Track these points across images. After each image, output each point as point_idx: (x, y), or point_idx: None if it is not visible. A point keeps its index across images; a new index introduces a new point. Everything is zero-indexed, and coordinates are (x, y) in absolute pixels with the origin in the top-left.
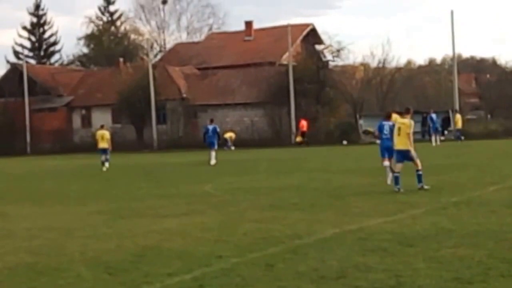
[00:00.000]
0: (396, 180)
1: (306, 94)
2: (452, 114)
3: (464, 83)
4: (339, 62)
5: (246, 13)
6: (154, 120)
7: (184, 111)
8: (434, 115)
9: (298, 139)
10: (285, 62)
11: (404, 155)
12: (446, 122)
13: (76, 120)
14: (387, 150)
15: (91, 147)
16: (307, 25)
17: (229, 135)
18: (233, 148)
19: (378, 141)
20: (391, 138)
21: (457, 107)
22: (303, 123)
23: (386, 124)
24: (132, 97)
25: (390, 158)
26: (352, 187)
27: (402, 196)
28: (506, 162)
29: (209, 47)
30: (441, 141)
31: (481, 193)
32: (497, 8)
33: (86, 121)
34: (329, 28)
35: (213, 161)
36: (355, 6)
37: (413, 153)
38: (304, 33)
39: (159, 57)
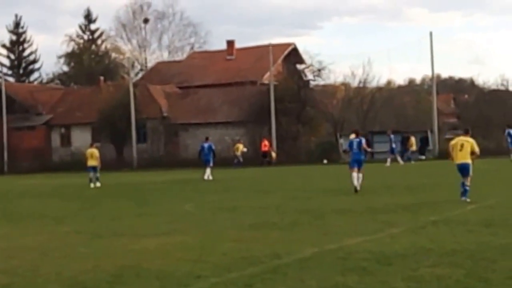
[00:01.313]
0: (463, 186)
1: (287, 113)
2: (430, 134)
3: (442, 103)
4: (320, 81)
5: (228, 33)
6: (134, 139)
7: (165, 130)
8: (392, 136)
9: (274, 155)
10: (266, 81)
11: (464, 168)
12: (424, 142)
13: (55, 139)
14: (356, 162)
15: (70, 166)
16: (288, 44)
17: (239, 148)
18: (241, 159)
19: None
20: (358, 153)
21: (436, 127)
22: (266, 143)
23: (354, 141)
24: (112, 116)
25: (358, 169)
26: (332, 206)
27: (381, 215)
28: (484, 181)
29: (191, 66)
30: (420, 160)
31: (460, 212)
32: (475, 30)
33: (66, 140)
34: (311, 48)
35: (209, 177)
36: (336, 27)
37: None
38: (286, 52)
39: (140, 75)
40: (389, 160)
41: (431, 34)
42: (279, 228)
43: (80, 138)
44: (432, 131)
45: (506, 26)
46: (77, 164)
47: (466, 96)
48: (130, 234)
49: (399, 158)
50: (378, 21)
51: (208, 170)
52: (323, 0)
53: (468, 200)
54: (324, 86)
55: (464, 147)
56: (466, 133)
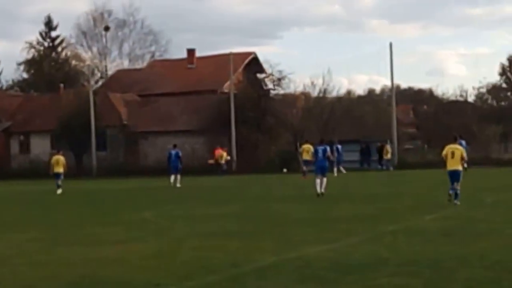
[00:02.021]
0: (449, 195)
1: (247, 122)
2: (389, 144)
3: (402, 114)
4: (280, 91)
5: (189, 41)
6: (94, 147)
7: (125, 138)
8: (339, 146)
9: (211, 161)
10: (226, 90)
11: (455, 175)
12: (380, 152)
13: (14, 146)
14: (320, 169)
15: (29, 173)
16: (249, 53)
17: (223, 156)
18: (225, 167)
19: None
20: (323, 160)
21: (395, 137)
22: (218, 152)
23: (320, 149)
24: (72, 123)
25: (322, 175)
26: (292, 215)
27: (341, 224)
28: (442, 191)
29: (151, 74)
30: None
31: (418, 222)
32: (434, 41)
33: (25, 147)
34: (271, 57)
35: (176, 184)
36: (297, 37)
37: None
38: (246, 61)
39: (100, 83)
40: (335, 170)
41: (390, 45)
42: (238, 237)
43: (40, 145)
44: (391, 141)
45: (464, 37)
46: (36, 172)
47: (425, 106)
48: (89, 242)
49: (335, 169)
50: (338, 31)
51: (174, 177)
52: (283, 10)
53: (458, 203)
54: (284, 95)
55: (455, 154)
56: (455, 140)
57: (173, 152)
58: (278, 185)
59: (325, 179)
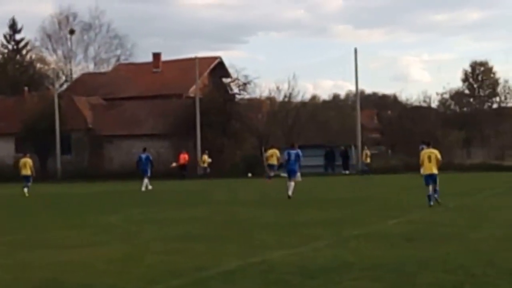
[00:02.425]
0: (429, 198)
1: (213, 127)
2: (353, 149)
3: (366, 119)
4: (246, 95)
5: (154, 45)
6: (58, 150)
7: (90, 142)
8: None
9: (173, 164)
10: (192, 95)
11: (432, 178)
12: (345, 157)
13: None
14: (291, 172)
15: None
16: (214, 58)
17: (205, 159)
18: (208, 170)
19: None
20: (294, 163)
21: (359, 142)
22: (183, 156)
23: (292, 152)
24: (36, 127)
25: (292, 178)
26: (257, 220)
27: (306, 229)
28: (405, 196)
29: (117, 78)
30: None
31: (382, 226)
32: (398, 47)
33: None
34: (236, 62)
35: (146, 188)
36: (262, 42)
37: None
38: (212, 66)
39: (65, 86)
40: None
41: (355, 50)
42: (204, 241)
43: (3, 148)
44: (355, 146)
45: (428, 44)
46: (1, 175)
47: (389, 112)
48: (53, 246)
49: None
50: (303, 36)
51: (145, 181)
52: (249, 15)
53: (439, 199)
54: (249, 100)
55: (432, 158)
56: (428, 145)
57: (143, 155)
58: (243, 189)
59: (293, 183)
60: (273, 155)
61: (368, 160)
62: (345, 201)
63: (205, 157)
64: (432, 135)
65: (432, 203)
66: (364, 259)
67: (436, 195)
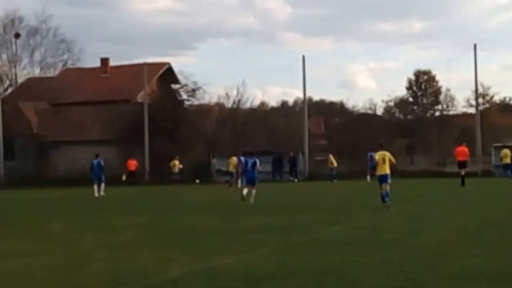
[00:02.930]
0: (383, 198)
1: (161, 133)
2: (301, 155)
3: (314, 126)
4: (195, 101)
5: (103, 50)
6: (1, 156)
7: (35, 148)
8: (242, 158)
9: (124, 177)
10: (140, 100)
11: (386, 178)
12: (292, 164)
13: None
14: (249, 180)
15: None
16: (163, 64)
17: (176, 165)
18: (179, 177)
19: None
20: (252, 171)
21: (306, 148)
22: (131, 163)
23: (249, 161)
24: None
25: (251, 186)
26: (203, 226)
27: (252, 235)
28: (351, 202)
29: (63, 83)
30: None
31: (327, 232)
32: (345, 55)
33: None
34: (185, 68)
35: (99, 194)
36: (211, 48)
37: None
38: (161, 72)
39: (9, 91)
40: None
41: (303, 58)
42: (148, 248)
43: None
44: (303, 153)
45: (374, 52)
46: None
47: (336, 119)
48: None
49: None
50: (252, 44)
51: (95, 187)
52: (198, 21)
53: (389, 203)
54: (198, 106)
55: (385, 160)
56: (381, 147)
57: (95, 161)
58: (191, 196)
59: (254, 190)
60: (232, 162)
61: (335, 164)
62: (292, 207)
63: (176, 162)
64: (377, 142)
65: (386, 200)
66: (309, 265)
67: (387, 198)
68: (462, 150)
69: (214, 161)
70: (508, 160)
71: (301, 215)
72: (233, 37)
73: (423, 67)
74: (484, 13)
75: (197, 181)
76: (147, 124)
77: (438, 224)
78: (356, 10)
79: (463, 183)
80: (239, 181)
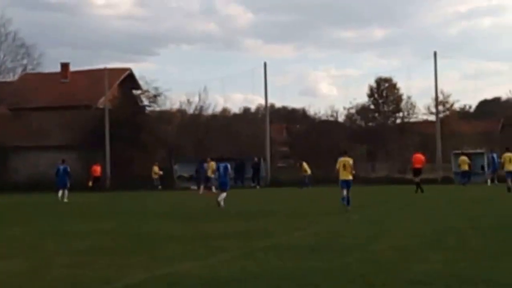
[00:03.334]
0: (344, 200)
1: (122, 139)
2: (263, 162)
3: (276, 132)
4: (156, 107)
5: (63, 55)
6: None
7: None
8: (205, 164)
9: (90, 183)
10: (101, 106)
11: (347, 183)
12: (256, 169)
13: None
14: (222, 184)
15: None
16: (125, 69)
17: (155, 170)
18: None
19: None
20: (224, 176)
21: (268, 155)
22: (96, 168)
23: (221, 166)
24: None
25: (222, 190)
26: (165, 232)
27: (213, 241)
28: (312, 208)
29: (23, 88)
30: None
31: (288, 238)
32: (307, 62)
33: None
34: (147, 73)
35: (62, 200)
36: (173, 54)
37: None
38: (122, 77)
39: None
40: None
41: (265, 64)
42: (110, 254)
43: None
44: (265, 159)
45: (336, 59)
46: None
47: (298, 126)
48: None
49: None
50: (214, 50)
51: (61, 192)
52: (160, 27)
53: (350, 209)
54: (160, 112)
55: (346, 166)
56: (344, 153)
57: (61, 167)
58: (153, 201)
59: (224, 194)
60: (211, 167)
61: (308, 172)
62: (254, 213)
63: (156, 168)
64: (338, 148)
65: (348, 205)
66: (270, 270)
67: (346, 202)
68: (419, 157)
69: (176, 167)
70: (466, 167)
71: (262, 221)
72: (195, 43)
73: (385, 74)
74: (445, 21)
75: (159, 187)
76: (108, 130)
77: (398, 230)
78: (318, 17)
79: (419, 190)
80: (201, 186)
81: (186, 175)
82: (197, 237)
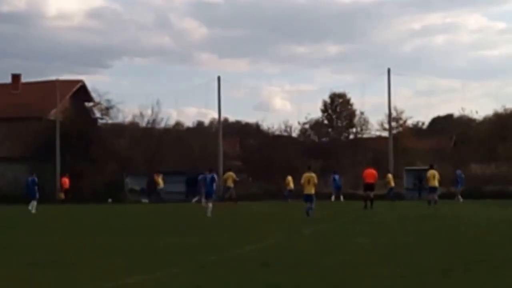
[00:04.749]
0: (307, 212)
1: (73, 151)
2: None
3: (229, 146)
4: (109, 120)
5: (14, 67)
6: None
7: None
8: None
9: (62, 195)
10: (52, 118)
11: (310, 197)
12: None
13: None
14: (208, 193)
15: None
16: (77, 81)
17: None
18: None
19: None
20: (210, 186)
21: (221, 169)
22: (65, 180)
23: (208, 176)
24: None
25: (208, 199)
26: (113, 245)
27: (163, 255)
28: (264, 223)
29: None
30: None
31: (239, 252)
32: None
33: None
34: (100, 86)
35: (32, 210)
36: (126, 66)
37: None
38: (74, 89)
39: None
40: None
41: (219, 78)
42: (56, 267)
43: None
44: (217, 174)
45: (290, 74)
46: None
47: (251, 140)
48: None
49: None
50: (168, 63)
51: (34, 203)
52: (113, 39)
53: (314, 216)
54: (112, 125)
55: (311, 181)
56: (309, 169)
57: (30, 179)
58: (102, 215)
59: (210, 204)
60: (230, 177)
61: (291, 185)
62: (205, 227)
63: (159, 179)
64: (291, 163)
65: (310, 215)
66: (219, 284)
67: (311, 212)
68: (371, 173)
69: (127, 180)
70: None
71: (213, 235)
72: (148, 56)
73: (338, 90)
74: (399, 38)
75: (110, 200)
76: (58, 142)
77: (349, 245)
78: (272, 32)
79: (369, 206)
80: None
81: (137, 188)
82: (146, 251)
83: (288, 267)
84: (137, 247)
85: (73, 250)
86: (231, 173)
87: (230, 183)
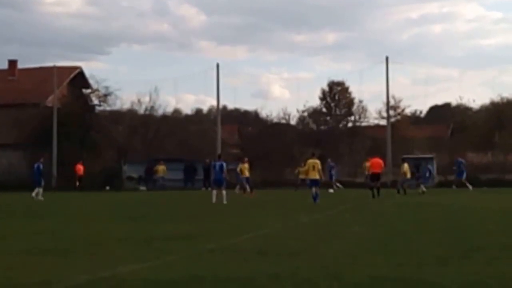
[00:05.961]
0: (314, 198)
1: (70, 138)
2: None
3: (227, 134)
4: (106, 107)
5: (11, 52)
6: None
7: None
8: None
9: (78, 183)
10: (50, 104)
11: (316, 182)
12: (207, 172)
13: None
14: (216, 182)
15: None
16: (74, 68)
17: (161, 170)
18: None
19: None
20: (220, 173)
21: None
22: (79, 167)
23: (217, 164)
24: None
25: (219, 188)
26: (110, 233)
27: (159, 243)
28: (261, 211)
29: None
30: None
31: (236, 240)
32: (259, 64)
33: None
34: (98, 73)
35: (38, 197)
36: (125, 53)
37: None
38: (71, 76)
39: None
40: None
41: (217, 65)
42: (52, 255)
43: None
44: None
45: (288, 62)
46: None
47: (250, 128)
48: None
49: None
50: (166, 50)
51: (37, 190)
52: (111, 26)
53: (319, 202)
54: (110, 112)
55: (315, 167)
56: (312, 155)
57: (35, 165)
58: (99, 202)
59: (224, 191)
60: (246, 167)
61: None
62: (202, 215)
63: (160, 168)
64: (290, 151)
65: (317, 201)
66: (216, 272)
67: (317, 199)
68: (378, 162)
69: (125, 167)
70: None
71: (211, 223)
72: (147, 43)
73: (337, 78)
74: (396, 27)
75: (107, 187)
76: (56, 128)
77: (347, 233)
78: (271, 20)
79: (377, 195)
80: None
81: (135, 175)
82: (143, 239)
83: (285, 256)
84: (134, 235)
85: (68, 238)
86: (245, 165)
87: (246, 174)
